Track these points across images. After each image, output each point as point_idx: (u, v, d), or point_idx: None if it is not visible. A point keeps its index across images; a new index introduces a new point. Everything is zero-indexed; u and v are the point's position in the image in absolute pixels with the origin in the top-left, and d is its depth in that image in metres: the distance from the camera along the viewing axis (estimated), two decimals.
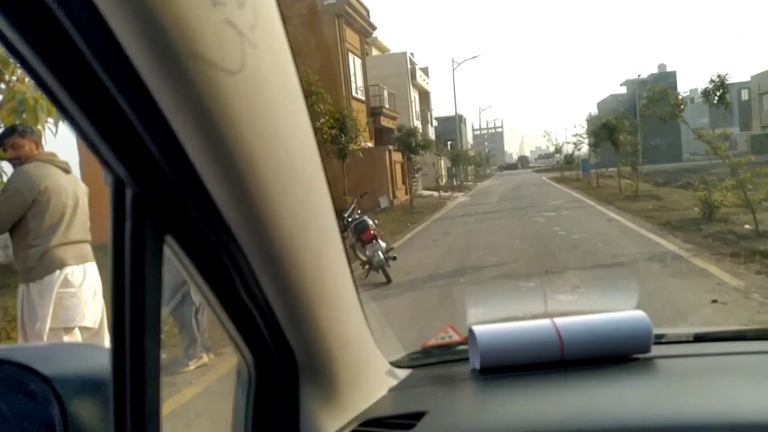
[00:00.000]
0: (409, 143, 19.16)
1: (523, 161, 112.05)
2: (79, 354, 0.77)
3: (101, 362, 0.59)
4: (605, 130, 17.25)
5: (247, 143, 0.52)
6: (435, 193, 25.32)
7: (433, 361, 1.05)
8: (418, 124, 38.28)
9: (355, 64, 24.06)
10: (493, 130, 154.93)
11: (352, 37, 23.77)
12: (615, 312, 0.99)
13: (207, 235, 0.57)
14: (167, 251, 0.56)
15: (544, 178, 41.82)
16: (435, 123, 63.05)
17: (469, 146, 51.78)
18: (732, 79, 11.68)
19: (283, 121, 0.57)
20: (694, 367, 0.96)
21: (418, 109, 39.38)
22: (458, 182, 35.23)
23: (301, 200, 0.62)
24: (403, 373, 1.00)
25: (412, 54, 39.15)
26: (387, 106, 27.34)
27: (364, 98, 24.98)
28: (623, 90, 61.82)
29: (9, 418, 0.63)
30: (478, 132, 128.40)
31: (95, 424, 0.62)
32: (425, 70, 42.13)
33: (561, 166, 42.66)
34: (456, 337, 1.04)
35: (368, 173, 22.03)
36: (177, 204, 0.54)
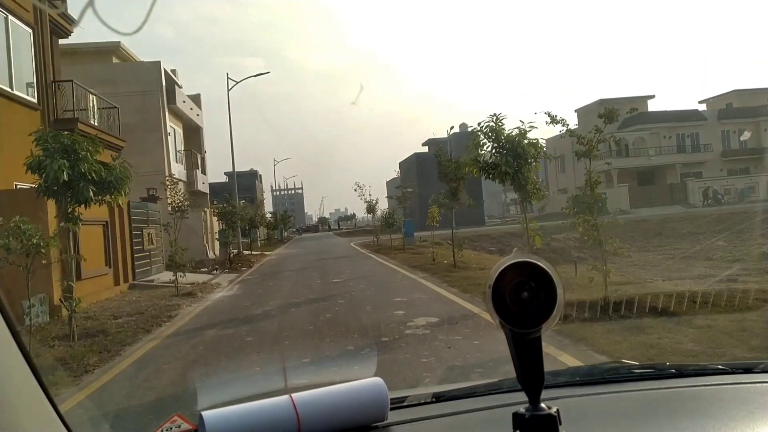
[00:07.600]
0: (53, 180, 7.14)
1: (323, 222, 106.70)
2: None
3: None
4: (510, 157, 8.03)
5: None
6: (191, 276, 13.71)
7: None
8: (180, 168, 26.53)
9: (9, 29, 12.19)
10: (293, 191, 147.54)
11: None
12: (354, 381, 0.96)
13: None
14: None
15: (354, 245, 32.51)
16: (225, 178, 51.49)
17: (259, 202, 40.86)
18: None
19: None
20: (430, 429, 0.94)
21: (181, 146, 27.67)
22: (234, 253, 23.75)
23: None
24: None
25: (173, 71, 27.72)
26: (95, 122, 15.52)
27: (35, 99, 13.05)
28: (425, 150, 57.03)
29: None
30: (277, 193, 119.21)
31: None
32: (196, 99, 30.82)
33: (373, 229, 34.01)
34: (186, 426, 0.96)
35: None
36: None
